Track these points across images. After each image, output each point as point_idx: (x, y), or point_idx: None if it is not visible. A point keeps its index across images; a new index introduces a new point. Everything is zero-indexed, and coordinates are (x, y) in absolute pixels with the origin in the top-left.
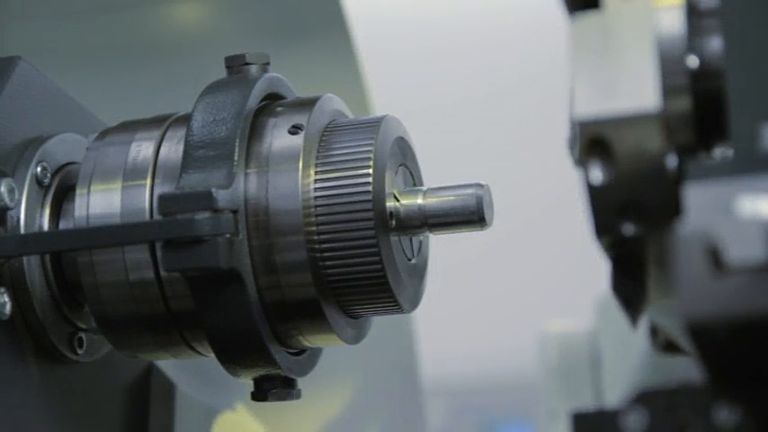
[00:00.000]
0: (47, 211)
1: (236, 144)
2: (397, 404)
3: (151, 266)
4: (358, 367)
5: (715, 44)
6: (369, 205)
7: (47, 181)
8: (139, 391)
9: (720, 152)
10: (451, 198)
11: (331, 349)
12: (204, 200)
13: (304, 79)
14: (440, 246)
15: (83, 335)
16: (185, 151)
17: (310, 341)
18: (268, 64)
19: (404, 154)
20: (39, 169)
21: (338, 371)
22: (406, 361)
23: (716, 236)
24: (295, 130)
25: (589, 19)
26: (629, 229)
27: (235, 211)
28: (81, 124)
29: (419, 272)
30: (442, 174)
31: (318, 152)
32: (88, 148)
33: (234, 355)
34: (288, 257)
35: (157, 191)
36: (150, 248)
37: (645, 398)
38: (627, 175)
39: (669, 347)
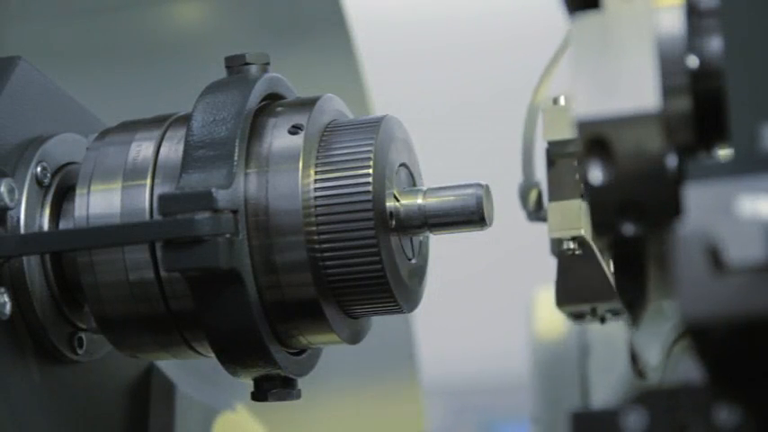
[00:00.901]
0: (47, 211)
1: (236, 144)
2: (397, 404)
3: (151, 266)
4: (358, 367)
5: (715, 44)
6: (369, 205)
7: (47, 181)
8: (139, 391)
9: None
10: (451, 198)
11: (331, 349)
12: (204, 200)
13: (304, 79)
14: (440, 245)
15: (83, 335)
16: (185, 151)
17: (310, 341)
18: (268, 64)
19: (404, 154)
20: (39, 169)
21: (338, 371)
22: (406, 361)
23: (716, 236)
24: (295, 130)
25: (589, 19)
26: (629, 229)
27: (235, 211)
28: (81, 124)
29: (419, 272)
30: (442, 174)
31: (318, 152)
32: (88, 148)
33: (234, 355)
34: (288, 257)
35: (157, 191)
36: (150, 248)
37: (645, 398)
38: (627, 175)
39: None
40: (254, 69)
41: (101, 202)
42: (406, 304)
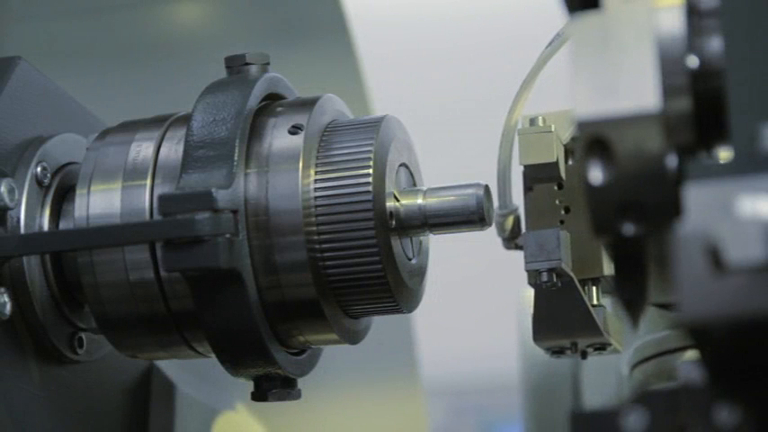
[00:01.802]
0: (47, 211)
1: (237, 144)
2: (398, 404)
3: (151, 266)
4: (358, 367)
5: (715, 44)
6: (369, 205)
7: (47, 181)
8: (140, 392)
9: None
10: (452, 198)
11: (331, 349)
12: (204, 200)
13: (304, 79)
14: (440, 245)
15: (83, 335)
16: (185, 151)
17: (310, 341)
18: (268, 64)
19: (404, 154)
20: (39, 169)
21: (338, 371)
22: (406, 361)
23: (716, 236)
24: (295, 130)
25: (589, 19)
26: (629, 229)
27: (235, 211)
28: (81, 124)
29: (419, 272)
30: (442, 174)
31: (318, 152)
32: (88, 148)
33: (234, 355)
34: (288, 257)
35: (157, 191)
36: (150, 248)
37: (645, 398)
38: (627, 175)
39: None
40: (254, 69)
41: (101, 202)
42: (406, 304)
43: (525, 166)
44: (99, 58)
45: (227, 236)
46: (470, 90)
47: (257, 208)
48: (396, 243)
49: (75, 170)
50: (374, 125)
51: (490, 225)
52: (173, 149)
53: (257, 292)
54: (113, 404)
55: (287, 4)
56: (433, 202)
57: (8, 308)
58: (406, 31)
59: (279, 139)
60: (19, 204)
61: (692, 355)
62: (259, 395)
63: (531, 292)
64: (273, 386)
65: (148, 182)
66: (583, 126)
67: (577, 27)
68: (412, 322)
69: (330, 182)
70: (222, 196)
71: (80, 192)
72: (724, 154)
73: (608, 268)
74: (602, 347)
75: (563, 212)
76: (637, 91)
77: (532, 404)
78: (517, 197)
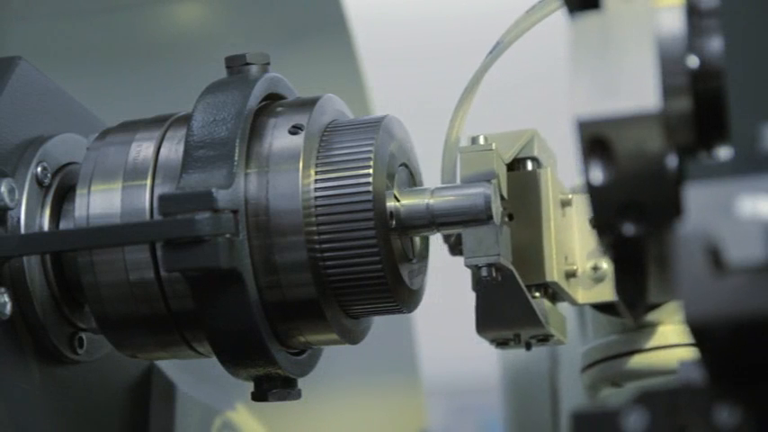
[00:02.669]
0: (47, 211)
1: (237, 144)
2: (398, 404)
3: (151, 266)
4: (358, 367)
5: (715, 44)
6: (369, 205)
7: (47, 181)
8: (140, 392)
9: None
10: (460, 197)
11: (332, 349)
12: (204, 200)
13: (304, 79)
14: (440, 245)
15: (83, 335)
16: (185, 151)
17: (310, 341)
18: (268, 64)
19: (404, 154)
20: (39, 169)
21: (338, 371)
22: (406, 361)
23: (716, 236)
24: (295, 130)
25: (589, 19)
26: (629, 229)
27: (235, 211)
28: (81, 124)
29: (419, 272)
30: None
31: (319, 152)
32: (88, 148)
33: (234, 355)
34: (288, 257)
35: (158, 191)
36: (150, 248)
37: (645, 398)
38: (627, 175)
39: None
40: (254, 69)
41: (101, 202)
42: (406, 304)
43: None
44: (99, 58)
45: (228, 236)
46: None
47: (257, 208)
48: (396, 243)
49: (76, 170)
50: (374, 125)
51: (497, 223)
52: (173, 149)
53: (257, 292)
54: (113, 404)
55: (287, 4)
56: (440, 201)
57: (8, 308)
58: (406, 31)
59: (279, 139)
60: (19, 204)
61: (637, 359)
62: (259, 395)
63: None
64: (273, 386)
65: (149, 182)
66: (583, 126)
67: (577, 27)
68: (412, 322)
69: (330, 182)
70: (222, 196)
71: (80, 192)
72: (724, 154)
73: (550, 274)
74: (545, 339)
75: (507, 219)
76: (637, 91)
77: (511, 405)
78: None
